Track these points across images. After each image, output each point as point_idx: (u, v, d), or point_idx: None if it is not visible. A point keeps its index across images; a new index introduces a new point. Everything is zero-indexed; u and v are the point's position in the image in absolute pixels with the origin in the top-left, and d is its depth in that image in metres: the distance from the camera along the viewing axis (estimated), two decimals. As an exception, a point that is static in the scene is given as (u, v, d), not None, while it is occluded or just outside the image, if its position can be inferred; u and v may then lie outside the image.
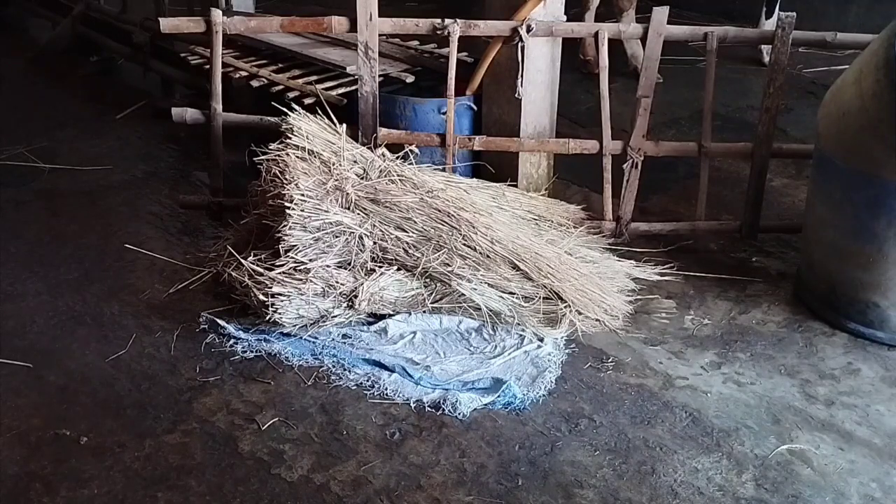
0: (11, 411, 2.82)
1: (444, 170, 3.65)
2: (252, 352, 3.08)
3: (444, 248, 3.20)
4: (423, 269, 3.18)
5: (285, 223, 3.12)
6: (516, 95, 3.69)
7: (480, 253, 3.21)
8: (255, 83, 4.10)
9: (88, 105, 5.32)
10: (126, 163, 4.55)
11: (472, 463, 2.62)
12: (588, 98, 5.07)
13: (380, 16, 3.59)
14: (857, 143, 3.02)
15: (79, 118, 5.11)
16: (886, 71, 2.89)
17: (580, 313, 3.21)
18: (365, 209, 3.23)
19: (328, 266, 3.14)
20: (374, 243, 3.20)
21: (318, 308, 3.11)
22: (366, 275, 3.18)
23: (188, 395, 2.89)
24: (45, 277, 3.54)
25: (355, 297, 3.12)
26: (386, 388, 2.90)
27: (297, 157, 3.29)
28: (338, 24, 3.64)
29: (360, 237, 3.18)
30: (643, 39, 3.63)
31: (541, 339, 3.13)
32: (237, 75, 4.15)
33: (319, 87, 3.88)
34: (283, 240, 3.11)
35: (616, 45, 4.73)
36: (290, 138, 3.36)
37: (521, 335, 3.15)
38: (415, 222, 3.22)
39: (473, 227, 3.23)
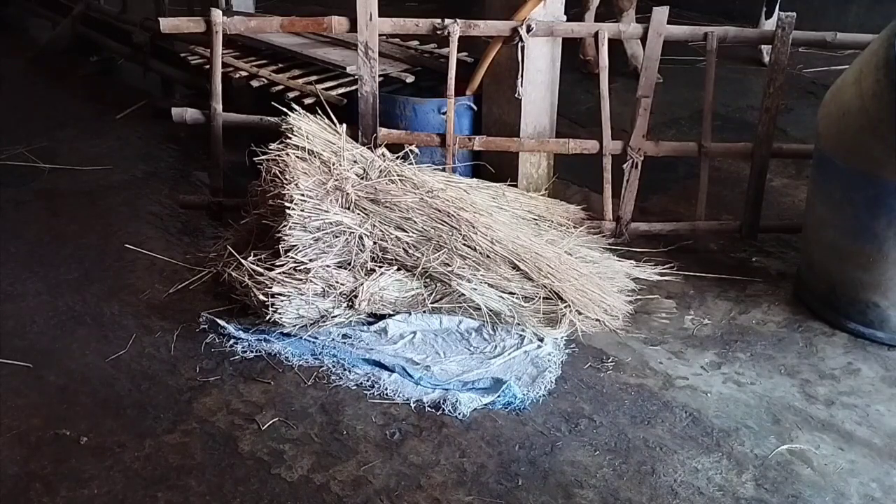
0: (11, 411, 2.82)
1: (444, 170, 3.65)
2: (252, 352, 3.08)
3: (444, 248, 3.20)
4: (423, 269, 3.18)
5: (285, 223, 3.12)
6: (516, 95, 3.69)
7: (480, 253, 3.21)
8: (255, 83, 4.10)
9: (88, 105, 5.32)
10: (126, 163, 4.55)
11: (472, 463, 2.62)
12: (588, 98, 5.07)
13: (380, 16, 3.59)
14: (857, 143, 3.02)
15: (79, 118, 5.11)
16: (886, 71, 2.89)
17: (580, 313, 3.21)
18: (365, 209, 3.23)
19: (328, 266, 3.14)
20: (374, 243, 3.20)
21: (318, 308, 3.11)
22: (366, 275, 3.18)
23: (188, 395, 2.89)
24: (45, 277, 3.54)
25: (355, 297, 3.12)
26: (386, 388, 2.90)
27: (297, 157, 3.29)
28: (338, 24, 3.64)
29: (360, 237, 3.18)
30: (643, 39, 3.63)
31: (541, 339, 3.13)
32: (237, 75, 4.15)
33: (319, 87, 3.88)
34: (283, 240, 3.11)
35: (616, 45, 4.73)
36: (290, 138, 3.36)
37: (521, 335, 3.15)
38: (415, 222, 3.22)
39: (473, 227, 3.23)
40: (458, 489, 2.52)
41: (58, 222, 3.98)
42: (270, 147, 3.35)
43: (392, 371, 2.97)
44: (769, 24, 5.47)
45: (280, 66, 4.18)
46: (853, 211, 3.07)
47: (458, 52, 3.73)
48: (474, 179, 3.73)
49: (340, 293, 3.14)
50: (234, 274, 3.20)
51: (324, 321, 3.12)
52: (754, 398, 2.90)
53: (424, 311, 3.20)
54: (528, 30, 3.57)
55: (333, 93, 3.85)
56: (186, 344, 3.13)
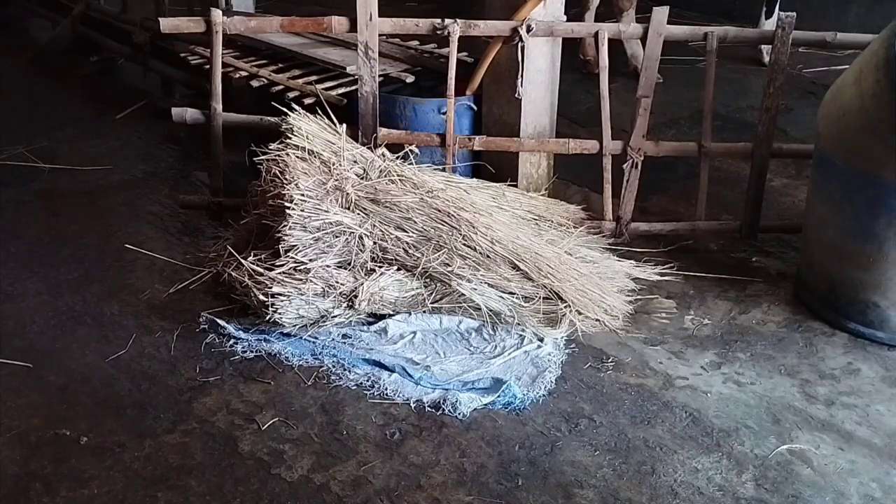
0: (11, 411, 2.82)
1: (444, 170, 3.65)
2: (252, 352, 3.08)
3: (444, 248, 3.20)
4: (423, 269, 3.18)
5: (285, 223, 3.12)
6: (516, 95, 3.69)
7: (480, 253, 3.21)
8: (255, 83, 4.10)
9: (88, 105, 5.32)
10: (126, 163, 4.55)
11: (472, 463, 2.62)
12: (588, 98, 5.07)
13: (380, 16, 3.59)
14: (857, 143, 3.02)
15: (79, 118, 5.11)
16: (886, 71, 2.89)
17: (580, 313, 3.21)
18: (365, 209, 3.23)
19: (328, 266, 3.14)
20: (374, 243, 3.20)
21: (318, 308, 3.11)
22: (366, 275, 3.18)
23: (188, 395, 2.89)
24: (45, 277, 3.54)
25: (355, 297, 3.12)
26: (386, 388, 2.90)
27: (297, 157, 3.29)
28: (338, 24, 3.64)
29: (360, 237, 3.18)
30: (643, 39, 3.63)
31: (541, 339, 3.13)
32: (237, 75, 4.15)
33: (319, 87, 3.88)
34: (283, 240, 3.11)
35: (616, 45, 4.73)
36: (290, 138, 3.36)
37: (521, 335, 3.15)
38: (415, 222, 3.22)
39: (473, 227, 3.23)
40: (458, 489, 2.52)
41: (58, 222, 3.98)
42: (270, 147, 3.35)
43: (392, 371, 2.97)
44: (769, 24, 5.47)
45: (280, 66, 4.18)
46: (853, 211, 3.07)
47: (458, 52, 3.73)
48: (474, 179, 3.73)
49: (340, 293, 3.14)
50: (234, 274, 3.20)
51: (324, 321, 3.12)
52: (754, 398, 2.90)
53: (424, 311, 3.20)
54: (528, 30, 3.57)
55: (333, 93, 3.85)
56: (186, 344, 3.13)
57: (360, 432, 2.74)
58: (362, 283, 3.13)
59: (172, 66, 5.15)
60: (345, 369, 2.99)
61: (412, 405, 2.84)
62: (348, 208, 3.23)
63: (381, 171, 3.37)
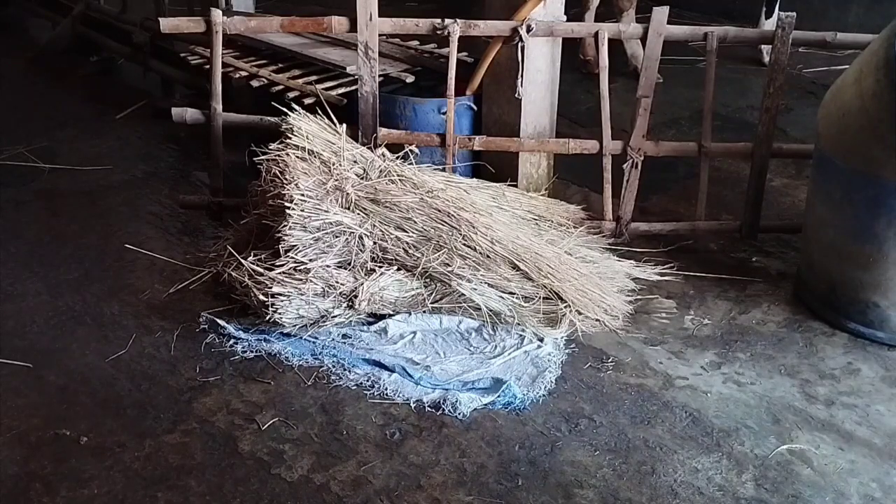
0: (11, 411, 2.82)
1: (444, 170, 3.65)
2: (252, 352, 3.08)
3: (444, 248, 3.20)
4: (423, 269, 3.18)
5: (285, 223, 3.12)
6: (516, 95, 3.69)
7: (480, 253, 3.21)
8: (255, 83, 4.10)
9: (88, 105, 5.32)
10: (126, 163, 4.55)
11: (472, 463, 2.62)
12: (588, 98, 5.07)
13: (380, 16, 3.59)
14: (857, 143, 3.02)
15: (79, 118, 5.11)
16: (886, 71, 2.89)
17: (580, 313, 3.21)
18: (365, 209, 3.23)
19: (328, 266, 3.14)
20: (374, 243, 3.20)
21: (318, 308, 3.11)
22: (366, 275, 3.18)
23: (188, 395, 2.89)
24: (45, 277, 3.54)
25: (355, 297, 3.12)
26: (386, 388, 2.90)
27: (297, 157, 3.29)
28: (338, 24, 3.64)
29: (360, 237, 3.18)
30: (643, 39, 3.63)
31: (541, 339, 3.13)
32: (237, 75, 4.15)
33: (319, 87, 3.88)
34: (283, 240, 3.11)
35: (616, 45, 4.73)
36: (290, 138, 3.36)
37: (521, 335, 3.15)
38: (415, 222, 3.22)
39: (473, 227, 3.23)
40: (458, 489, 2.52)
41: (58, 222, 3.98)
42: (270, 147, 3.35)
43: (392, 371, 2.97)
44: (769, 24, 5.47)
45: (280, 66, 4.18)
46: (853, 211, 3.07)
47: (458, 52, 3.73)
48: (474, 179, 3.73)
49: (340, 293, 3.14)
50: (234, 274, 3.20)
51: (324, 321, 3.12)
52: (754, 398, 2.90)
53: (424, 311, 3.20)
54: (528, 30, 3.57)
55: (333, 93, 3.85)
56: (186, 344, 3.13)
57: (360, 432, 2.74)
58: (362, 283, 3.13)
59: (172, 66, 5.15)
60: (345, 369, 2.99)
61: (412, 405, 2.84)
62: (348, 208, 3.23)
63: (381, 171, 3.37)
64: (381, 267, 3.20)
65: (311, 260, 3.12)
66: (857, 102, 3.01)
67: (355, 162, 3.39)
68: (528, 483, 2.55)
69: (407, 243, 3.20)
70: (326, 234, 3.15)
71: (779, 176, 4.32)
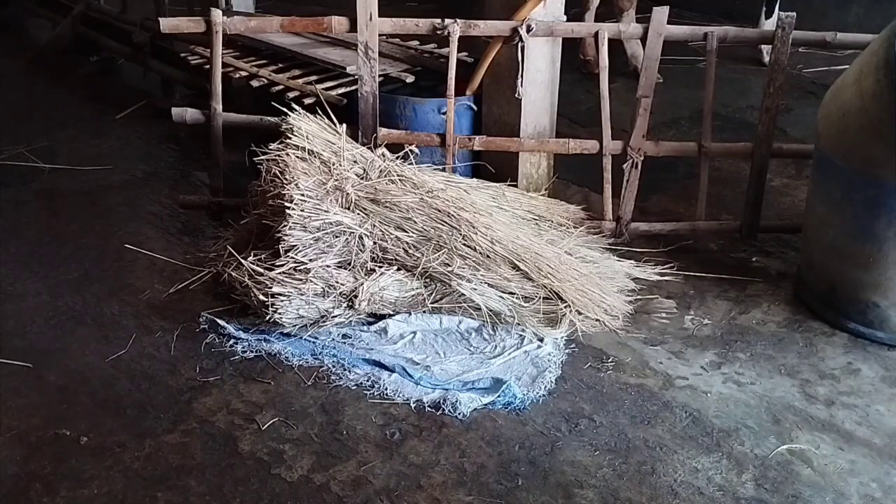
0: (11, 411, 2.82)
1: (444, 170, 3.65)
2: (252, 352, 3.08)
3: (444, 248, 3.20)
4: (423, 269, 3.18)
5: (285, 223, 3.12)
6: (516, 95, 3.69)
7: (480, 253, 3.21)
8: (255, 83, 4.10)
9: (88, 105, 5.32)
10: (126, 163, 4.55)
11: (472, 463, 2.62)
12: (588, 98, 5.07)
13: (380, 16, 3.59)
14: (857, 143, 3.02)
15: (79, 118, 5.11)
16: (886, 71, 2.89)
17: (580, 313, 3.21)
18: (365, 209, 3.23)
19: (328, 266, 3.14)
20: (374, 243, 3.20)
21: (318, 308, 3.11)
22: (366, 275, 3.18)
23: (188, 395, 2.89)
24: (45, 277, 3.54)
25: (355, 297, 3.12)
26: (386, 388, 2.90)
27: (297, 157, 3.29)
28: (338, 24, 3.64)
29: (360, 237, 3.18)
30: (643, 39, 3.63)
31: (541, 339, 3.13)
32: (237, 75, 4.15)
33: (319, 87, 3.88)
34: (283, 240, 3.11)
35: (616, 45, 4.73)
36: (290, 138, 3.36)
37: (521, 335, 3.15)
38: (415, 222, 3.22)
39: (473, 227, 3.23)
40: (458, 489, 2.52)
41: (58, 222, 3.98)
42: (270, 147, 3.35)
43: (392, 371, 2.97)
44: (769, 24, 5.47)
45: (280, 66, 4.18)
46: (853, 211, 3.07)
47: (458, 52, 3.73)
48: (474, 179, 3.73)
49: (340, 293, 3.14)
50: (234, 274, 3.20)
51: (324, 321, 3.12)
52: (754, 398, 2.90)
53: (424, 311, 3.20)
54: (528, 30, 3.57)
55: (333, 93, 3.85)
56: (186, 344, 3.13)
57: (360, 432, 2.74)
58: (362, 283, 3.13)
59: (172, 66, 5.15)
60: (345, 369, 2.99)
61: (412, 405, 2.84)
62: (348, 208, 3.23)
63: (381, 171, 3.37)
64: (381, 267, 3.20)
65: (311, 260, 3.12)
66: (857, 102, 3.01)
67: (355, 162, 3.39)
68: (528, 483, 2.55)
69: (407, 243, 3.20)
70: (326, 234, 3.15)
71: (779, 176, 4.32)
